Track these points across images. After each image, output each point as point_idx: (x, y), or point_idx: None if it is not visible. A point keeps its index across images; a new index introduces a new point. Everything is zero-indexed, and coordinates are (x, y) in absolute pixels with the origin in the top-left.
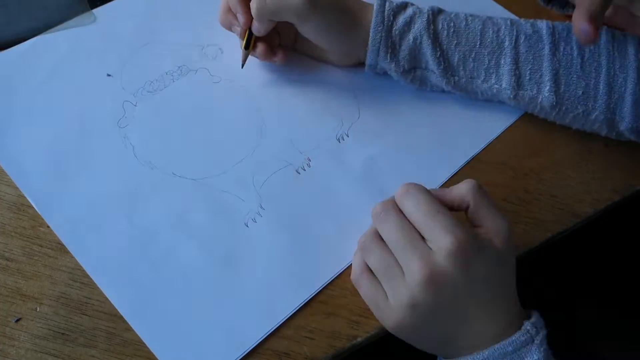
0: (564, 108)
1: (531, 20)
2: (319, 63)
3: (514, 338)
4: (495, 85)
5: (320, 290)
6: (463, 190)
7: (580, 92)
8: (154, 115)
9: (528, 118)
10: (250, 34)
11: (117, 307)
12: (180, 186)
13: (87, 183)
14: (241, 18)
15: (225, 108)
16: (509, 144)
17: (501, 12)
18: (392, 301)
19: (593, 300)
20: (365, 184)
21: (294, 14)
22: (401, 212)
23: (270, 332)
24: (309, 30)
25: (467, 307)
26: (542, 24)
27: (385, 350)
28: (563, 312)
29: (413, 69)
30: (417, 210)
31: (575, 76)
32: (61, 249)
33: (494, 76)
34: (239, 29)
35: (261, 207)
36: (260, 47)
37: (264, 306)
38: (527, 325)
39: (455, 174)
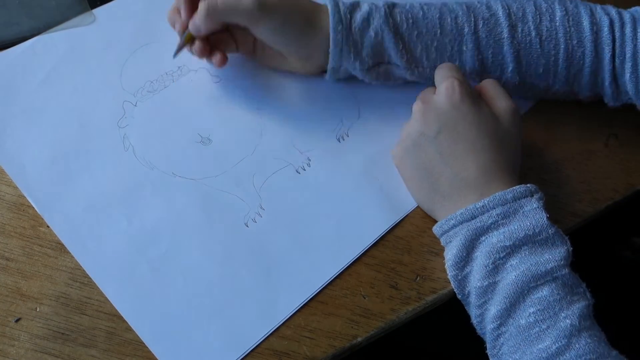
0: (526, 86)
1: (485, 1)
2: None
3: (513, 188)
4: None
5: (320, 290)
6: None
7: (541, 69)
8: (154, 115)
9: (528, 118)
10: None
11: (117, 307)
12: (180, 186)
13: (87, 183)
14: (184, 14)
15: (225, 108)
16: None
17: None
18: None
19: (593, 300)
20: (365, 183)
21: (245, 17)
22: None
23: (270, 332)
24: (263, 33)
25: (456, 144)
26: (497, 6)
27: (385, 350)
28: None
29: (377, 64)
30: (437, 75)
31: (535, 55)
32: (61, 249)
33: (457, 63)
34: (179, 26)
35: (261, 207)
36: (198, 43)
37: (263, 306)
38: (528, 184)
39: None
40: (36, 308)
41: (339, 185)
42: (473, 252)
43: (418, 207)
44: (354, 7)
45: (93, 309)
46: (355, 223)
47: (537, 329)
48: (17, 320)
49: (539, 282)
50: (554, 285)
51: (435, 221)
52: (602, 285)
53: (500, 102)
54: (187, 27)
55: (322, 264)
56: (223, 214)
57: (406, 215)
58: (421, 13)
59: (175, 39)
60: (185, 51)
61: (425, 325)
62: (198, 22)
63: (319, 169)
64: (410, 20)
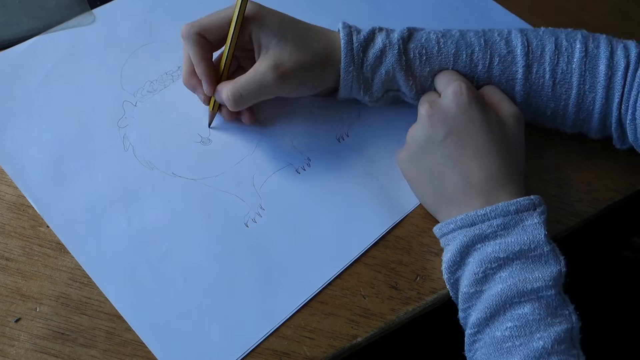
0: (532, 124)
1: (506, 34)
2: None
3: (517, 200)
4: None
5: (320, 290)
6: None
7: (549, 112)
8: (154, 115)
9: None
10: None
11: (117, 307)
12: (180, 186)
13: (87, 183)
14: (207, 89)
15: (224, 107)
16: None
17: (501, 13)
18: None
19: (593, 300)
20: (365, 183)
21: (270, 93)
22: None
23: (270, 332)
24: (285, 94)
25: (463, 149)
26: (517, 41)
27: (385, 350)
28: None
29: (386, 92)
30: (440, 80)
31: (545, 98)
32: (61, 249)
33: None
34: (202, 96)
35: (261, 207)
36: (225, 110)
37: (264, 306)
38: (532, 196)
39: None
40: (36, 308)
41: (339, 185)
42: (467, 258)
43: (418, 207)
44: (367, 43)
45: (93, 309)
46: (355, 223)
47: (509, 344)
48: (17, 320)
49: (522, 299)
50: (537, 304)
51: (437, 221)
52: (602, 285)
53: (505, 107)
54: (211, 97)
55: (322, 264)
56: (223, 214)
57: (406, 215)
58: (436, 48)
59: (177, 40)
60: (179, 50)
61: (427, 318)
62: (226, 103)
63: (319, 169)
64: (424, 57)
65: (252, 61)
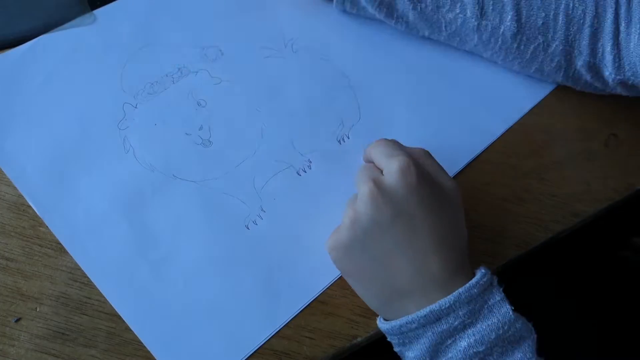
0: (524, 38)
1: None
2: (318, 62)
3: (476, 282)
4: (460, 15)
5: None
6: (415, 152)
7: (540, 22)
8: (155, 117)
9: (528, 118)
10: None
11: (117, 310)
12: (181, 188)
13: (87, 185)
14: None
15: (225, 110)
16: (509, 144)
17: None
18: (341, 222)
19: (593, 300)
20: None
21: None
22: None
23: (271, 334)
24: None
25: (415, 233)
26: None
27: (385, 351)
28: (563, 311)
29: None
30: (378, 152)
31: (535, 7)
32: (61, 249)
33: (458, 5)
34: None
35: (262, 209)
36: None
37: (264, 308)
38: (482, 269)
39: (456, 174)
40: (36, 308)
41: (340, 187)
42: (437, 357)
43: None
44: None
45: (93, 309)
46: None
47: None
48: (17, 320)
49: None
50: None
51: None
52: (602, 285)
53: (445, 181)
54: None
55: (323, 266)
56: (224, 216)
57: None
58: None
59: (178, 42)
60: (180, 52)
61: None
62: None
63: (320, 170)
64: None
65: None
